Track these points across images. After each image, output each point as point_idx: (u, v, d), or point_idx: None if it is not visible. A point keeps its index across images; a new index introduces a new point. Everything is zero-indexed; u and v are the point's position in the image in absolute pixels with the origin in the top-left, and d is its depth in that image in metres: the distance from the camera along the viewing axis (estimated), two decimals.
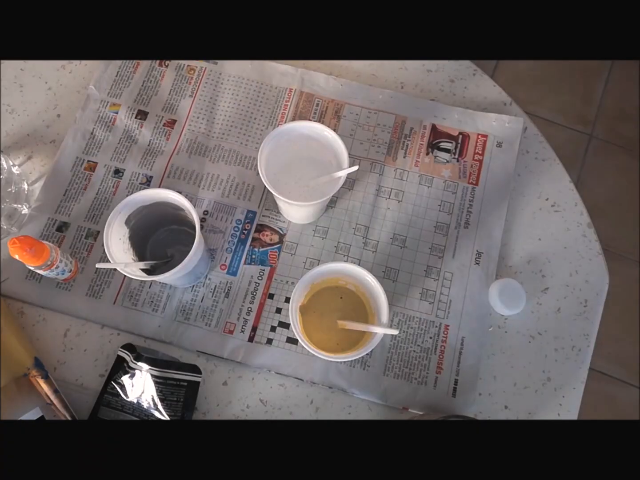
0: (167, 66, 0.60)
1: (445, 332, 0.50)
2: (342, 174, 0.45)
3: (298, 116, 0.58)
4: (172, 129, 0.57)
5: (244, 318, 0.50)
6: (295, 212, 0.51)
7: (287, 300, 0.51)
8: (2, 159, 0.52)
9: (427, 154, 0.56)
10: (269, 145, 0.46)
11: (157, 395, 0.45)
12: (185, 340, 0.49)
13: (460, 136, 0.57)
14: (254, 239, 0.53)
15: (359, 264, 0.50)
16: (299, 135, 0.48)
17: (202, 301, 0.51)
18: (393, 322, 0.51)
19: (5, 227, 0.52)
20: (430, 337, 0.50)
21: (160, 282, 0.51)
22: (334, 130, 0.48)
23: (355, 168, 0.44)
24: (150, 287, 0.51)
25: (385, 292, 0.43)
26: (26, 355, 0.47)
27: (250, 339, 0.50)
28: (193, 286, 0.51)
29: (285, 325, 0.50)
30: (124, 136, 0.56)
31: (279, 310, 0.51)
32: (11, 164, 0.53)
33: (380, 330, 0.42)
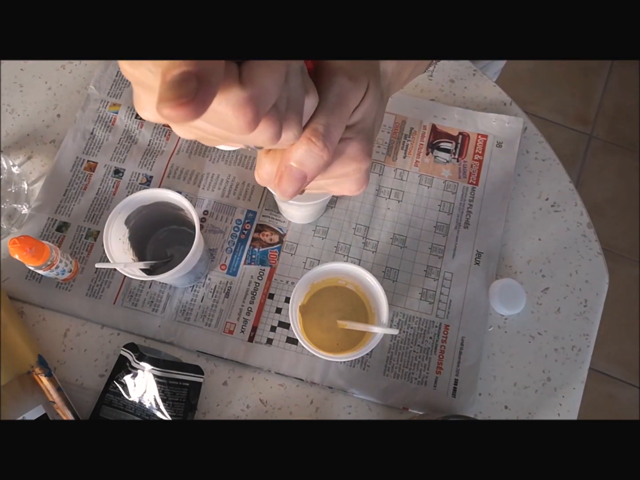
0: None
1: (445, 332, 0.50)
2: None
3: None
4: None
5: (244, 318, 0.50)
6: (295, 212, 0.51)
7: (287, 300, 0.51)
8: (2, 159, 0.52)
9: (427, 154, 0.57)
10: None
11: (160, 395, 0.45)
12: (185, 340, 0.49)
13: (460, 136, 0.57)
14: (254, 239, 0.53)
15: (359, 264, 0.50)
16: None
17: (202, 301, 0.51)
18: (393, 322, 0.51)
19: (5, 227, 0.52)
20: (430, 337, 0.50)
21: (160, 282, 0.51)
22: None
23: None
24: (150, 287, 0.51)
25: (385, 292, 0.43)
26: (30, 353, 0.47)
27: (250, 339, 0.50)
28: (193, 286, 0.51)
29: (285, 325, 0.50)
30: (124, 136, 0.57)
31: (279, 310, 0.51)
32: (11, 164, 0.53)
33: (380, 330, 0.42)
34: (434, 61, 0.38)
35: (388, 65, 0.30)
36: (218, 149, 0.56)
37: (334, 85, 0.24)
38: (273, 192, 0.45)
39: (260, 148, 0.23)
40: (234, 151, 0.56)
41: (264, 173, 0.26)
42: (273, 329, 0.50)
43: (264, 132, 0.20)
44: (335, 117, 0.24)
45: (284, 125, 0.21)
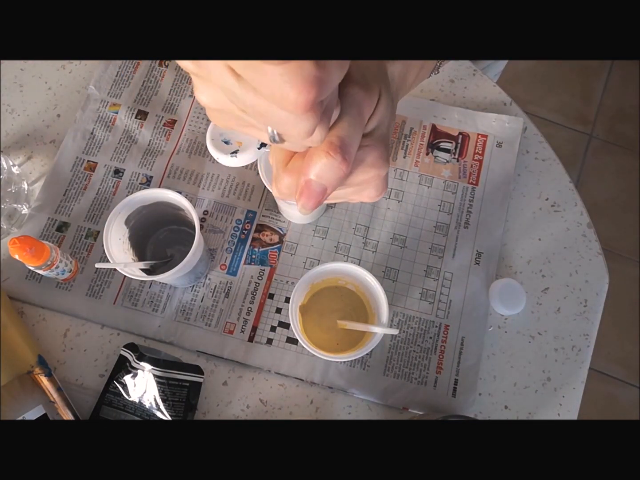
0: (167, 66, 0.60)
1: (445, 332, 0.50)
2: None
3: None
4: (172, 129, 0.57)
5: (244, 318, 0.50)
6: (295, 212, 0.51)
7: (287, 300, 0.51)
8: (2, 159, 0.52)
9: (427, 154, 0.57)
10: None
11: (160, 395, 0.45)
12: (185, 340, 0.49)
13: (460, 136, 0.57)
14: (254, 239, 0.53)
15: (359, 264, 0.50)
16: None
17: (202, 301, 0.51)
18: (393, 322, 0.51)
19: (5, 227, 0.52)
20: (430, 337, 0.50)
21: (160, 282, 0.51)
22: None
23: None
24: (150, 287, 0.51)
25: (385, 292, 0.43)
26: (30, 353, 0.47)
27: (250, 339, 0.50)
28: (193, 286, 0.51)
29: (285, 325, 0.50)
30: (124, 136, 0.57)
31: (279, 310, 0.51)
32: (11, 164, 0.53)
33: (380, 330, 0.42)
34: (437, 65, 0.38)
35: (395, 70, 0.31)
36: None
37: (347, 96, 0.25)
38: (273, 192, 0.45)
39: (282, 142, 0.23)
40: None
41: (284, 187, 0.26)
42: (273, 329, 0.50)
43: (306, 122, 0.20)
44: (351, 129, 0.24)
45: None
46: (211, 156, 0.56)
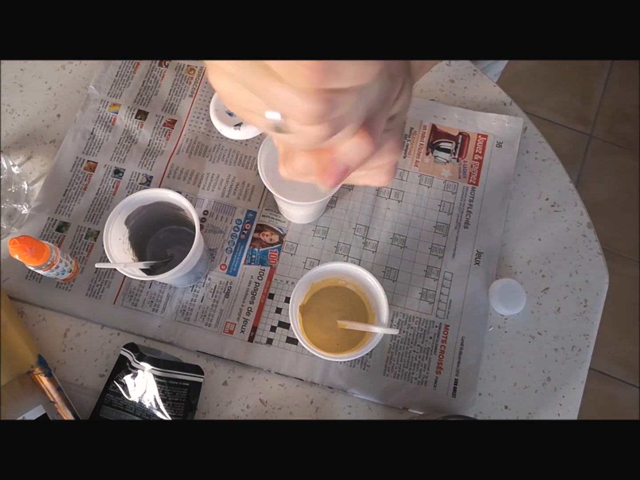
0: (167, 66, 0.60)
1: (445, 332, 0.50)
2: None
3: None
4: (172, 129, 0.57)
5: (244, 318, 0.50)
6: (295, 212, 0.51)
7: (287, 300, 0.51)
8: (2, 159, 0.52)
9: (427, 154, 0.57)
10: (269, 145, 0.46)
11: (160, 395, 0.45)
12: (185, 340, 0.49)
13: (460, 136, 0.57)
14: (254, 239, 0.53)
15: (359, 264, 0.50)
16: None
17: (202, 301, 0.51)
18: (393, 322, 0.51)
19: (5, 227, 0.52)
20: (430, 337, 0.50)
21: (160, 282, 0.51)
22: None
23: None
24: (150, 287, 0.51)
25: (385, 292, 0.43)
26: (30, 353, 0.47)
27: (250, 339, 0.50)
28: (193, 286, 0.51)
29: (285, 325, 0.50)
30: (124, 136, 0.57)
31: (279, 310, 0.51)
32: (11, 164, 0.53)
33: (380, 330, 0.42)
34: None
35: (416, 60, 0.31)
36: (219, 149, 0.56)
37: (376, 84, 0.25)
38: (273, 192, 0.45)
39: (287, 133, 0.23)
40: (233, 151, 0.56)
41: (300, 165, 0.26)
42: (273, 329, 0.50)
43: (323, 131, 0.20)
44: (380, 114, 0.25)
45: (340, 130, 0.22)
46: (211, 156, 0.56)
